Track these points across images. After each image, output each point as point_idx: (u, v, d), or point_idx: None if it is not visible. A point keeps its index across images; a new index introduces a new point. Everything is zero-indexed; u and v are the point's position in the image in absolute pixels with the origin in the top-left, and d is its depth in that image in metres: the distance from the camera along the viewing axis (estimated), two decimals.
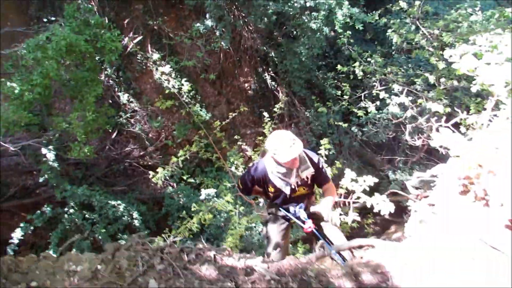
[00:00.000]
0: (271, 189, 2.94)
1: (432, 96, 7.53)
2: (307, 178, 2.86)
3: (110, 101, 8.52)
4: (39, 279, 1.84)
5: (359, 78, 7.94)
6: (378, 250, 2.18)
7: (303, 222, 2.89)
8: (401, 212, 8.08)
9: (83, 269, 1.91)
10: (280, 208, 3.08)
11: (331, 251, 2.44)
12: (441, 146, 7.09)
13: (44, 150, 6.68)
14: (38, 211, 6.62)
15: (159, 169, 4.87)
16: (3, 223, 7.35)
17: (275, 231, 3.18)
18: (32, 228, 6.46)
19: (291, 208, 3.01)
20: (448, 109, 6.89)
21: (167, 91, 5.40)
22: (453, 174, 2.00)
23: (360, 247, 2.37)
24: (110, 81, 8.52)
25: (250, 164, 3.23)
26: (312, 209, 2.90)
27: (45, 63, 5.63)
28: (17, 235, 6.35)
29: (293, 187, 2.87)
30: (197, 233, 5.64)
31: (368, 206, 4.82)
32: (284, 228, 3.20)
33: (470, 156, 1.86)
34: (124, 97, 8.68)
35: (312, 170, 2.82)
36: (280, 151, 2.60)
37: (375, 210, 4.67)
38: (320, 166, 2.92)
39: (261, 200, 5.32)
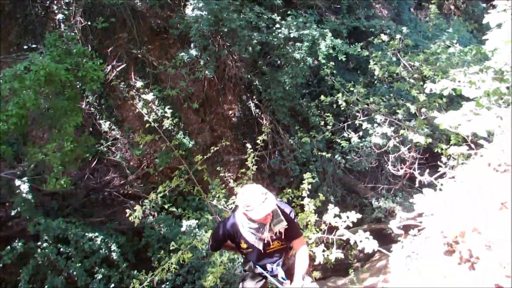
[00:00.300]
0: (243, 245, 2.83)
1: (413, 125, 7.63)
2: (279, 232, 2.72)
3: (91, 129, 8.35)
4: None
5: (342, 108, 8.00)
6: None
7: (281, 283, 2.77)
8: (385, 239, 8.04)
9: None
10: (257, 266, 2.93)
11: None
12: (421, 178, 7.14)
13: (17, 182, 6.43)
14: (8, 247, 6.30)
15: (137, 207, 4.70)
16: None
17: None
18: (0, 265, 6.12)
19: (268, 266, 2.89)
20: (430, 140, 6.99)
21: (147, 125, 5.28)
22: (437, 230, 1.94)
23: None
24: (92, 108, 8.37)
25: (221, 220, 3.10)
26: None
27: (22, 93, 5.48)
28: None
29: (266, 242, 2.74)
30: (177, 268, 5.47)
31: (352, 243, 4.75)
32: (261, 286, 3.05)
33: (452, 215, 1.82)
34: (105, 125, 8.53)
35: (285, 224, 2.68)
36: (253, 208, 2.48)
37: (359, 248, 4.61)
38: (293, 219, 2.81)
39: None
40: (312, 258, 5.24)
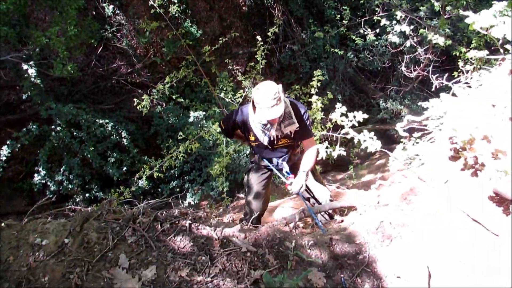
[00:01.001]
0: (251, 138, 2.88)
1: (434, 24, 7.18)
2: (290, 132, 2.74)
3: (94, 13, 7.94)
4: (1, 254, 1.74)
5: (361, 1, 7.45)
6: (359, 212, 2.20)
7: (285, 177, 2.88)
8: (388, 140, 8.24)
9: (49, 243, 1.80)
10: (263, 159, 3.03)
11: (313, 215, 2.43)
12: (436, 82, 6.99)
13: (25, 66, 6.36)
14: (24, 129, 6.53)
15: (145, 96, 4.71)
16: None
17: (256, 180, 3.12)
18: (19, 145, 6.42)
19: (274, 160, 2.97)
20: (449, 42, 6.63)
21: (152, 11, 4.98)
22: (445, 135, 1.94)
23: (342, 208, 2.39)
24: None
25: (236, 108, 3.06)
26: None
27: None
28: (4, 152, 6.33)
29: (272, 139, 2.79)
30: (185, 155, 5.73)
31: (355, 141, 4.86)
32: (266, 178, 3.14)
33: (463, 119, 1.79)
34: (109, 9, 8.08)
35: (296, 126, 2.69)
36: (261, 107, 2.49)
37: (362, 147, 4.72)
38: (305, 120, 2.80)
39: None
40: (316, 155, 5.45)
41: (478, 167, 1.70)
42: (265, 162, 3.02)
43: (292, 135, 2.77)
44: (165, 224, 1.95)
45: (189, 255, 1.79)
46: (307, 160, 2.86)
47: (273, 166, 2.99)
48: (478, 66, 5.11)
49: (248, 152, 6.99)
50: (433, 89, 7.37)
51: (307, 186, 2.90)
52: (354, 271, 1.72)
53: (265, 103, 2.45)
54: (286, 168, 2.93)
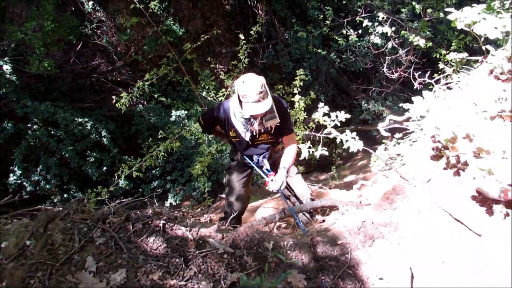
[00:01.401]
0: (232, 133, 2.82)
1: (416, 26, 7.27)
2: (270, 127, 2.71)
3: (73, 9, 7.73)
4: None
5: (344, 1, 7.47)
6: (341, 211, 2.16)
7: (266, 174, 2.85)
8: (369, 141, 8.29)
9: (8, 245, 1.67)
10: (244, 156, 2.98)
11: (294, 215, 2.36)
12: (417, 82, 7.06)
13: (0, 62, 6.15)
14: None
15: (123, 94, 4.58)
16: None
17: (236, 179, 3.09)
18: None
19: (255, 157, 2.93)
20: (430, 44, 6.71)
21: (131, 6, 4.85)
22: (427, 134, 1.92)
23: (323, 208, 2.34)
24: None
25: (216, 104, 2.97)
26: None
27: None
28: None
29: (254, 134, 2.75)
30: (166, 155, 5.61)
31: (338, 142, 4.85)
32: (246, 176, 3.11)
33: (445, 118, 1.77)
34: (88, 5, 7.89)
35: (277, 120, 2.65)
36: (247, 101, 2.43)
37: (344, 147, 4.71)
38: (287, 115, 2.78)
39: None
40: (298, 154, 5.42)
41: (460, 166, 1.68)
42: (246, 160, 2.97)
43: (273, 131, 2.75)
44: (137, 225, 1.83)
45: (162, 257, 1.68)
46: (288, 157, 2.83)
47: (253, 163, 2.95)
48: (458, 68, 5.17)
49: (230, 150, 6.93)
50: (414, 89, 7.44)
51: (287, 184, 2.88)
52: (336, 273, 1.66)
53: (252, 97, 2.40)
54: (266, 165, 2.89)
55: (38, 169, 6.73)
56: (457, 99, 1.90)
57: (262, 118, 2.60)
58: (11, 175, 6.53)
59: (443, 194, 1.74)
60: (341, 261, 1.73)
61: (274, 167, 2.91)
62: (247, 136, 2.74)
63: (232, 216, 2.90)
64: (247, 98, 2.42)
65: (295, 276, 1.58)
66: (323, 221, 2.28)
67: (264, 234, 1.84)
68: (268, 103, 2.44)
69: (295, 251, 1.76)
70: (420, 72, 8.88)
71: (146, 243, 1.74)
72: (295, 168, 3.05)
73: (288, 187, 2.95)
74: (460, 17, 1.94)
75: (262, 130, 2.73)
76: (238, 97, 2.50)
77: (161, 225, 1.84)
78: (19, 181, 6.58)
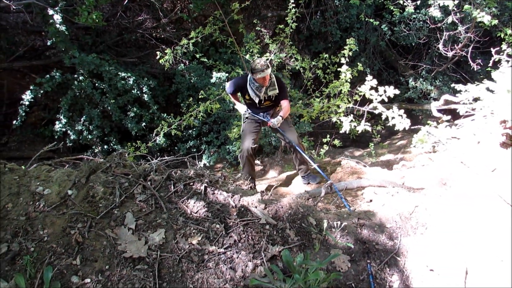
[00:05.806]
0: (247, 97, 4.09)
1: (481, 1, 6.65)
2: (272, 96, 3.98)
3: None
4: (0, 200, 1.58)
5: None
6: (391, 193, 2.02)
7: (268, 119, 4.11)
8: (411, 121, 7.91)
9: (51, 192, 1.64)
10: (253, 114, 4.20)
11: (338, 194, 2.29)
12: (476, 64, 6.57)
13: (50, 11, 6.21)
14: (47, 76, 6.48)
15: (167, 50, 4.52)
16: (15, 83, 7.30)
17: (249, 128, 4.24)
18: (42, 91, 6.41)
19: (261, 114, 4.20)
20: (495, 21, 6.12)
21: None
22: (495, 118, 1.72)
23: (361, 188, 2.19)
24: None
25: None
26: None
27: None
28: (27, 97, 6.33)
29: (261, 99, 3.99)
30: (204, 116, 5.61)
31: (383, 118, 4.63)
32: (256, 126, 4.26)
33: None
34: None
35: (276, 92, 3.96)
36: (256, 71, 3.68)
37: (390, 124, 4.49)
38: (283, 88, 4.03)
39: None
40: (337, 127, 5.24)
41: None
42: (256, 117, 4.21)
43: (274, 98, 4.03)
44: (178, 185, 1.78)
45: (202, 222, 1.63)
46: (283, 110, 4.03)
47: (260, 116, 4.18)
48: None
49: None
50: (471, 69, 6.86)
51: (281, 130, 4.10)
52: (382, 258, 1.56)
53: (258, 69, 3.67)
54: (268, 117, 4.17)
55: (81, 119, 6.96)
56: None
57: (267, 88, 3.89)
58: (57, 122, 6.80)
59: (510, 187, 1.57)
60: (388, 246, 1.62)
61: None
62: (256, 100, 4.01)
63: (244, 154, 4.13)
64: (255, 69, 3.68)
65: (340, 257, 1.50)
66: (371, 200, 2.16)
67: (309, 209, 1.75)
68: (268, 71, 3.71)
69: (340, 231, 1.66)
70: (478, 53, 8.25)
71: (186, 205, 1.70)
72: (290, 121, 4.34)
73: (281, 132, 4.13)
74: None
75: (266, 97, 4.00)
76: (251, 70, 3.74)
77: (202, 188, 1.79)
78: (64, 129, 6.85)
